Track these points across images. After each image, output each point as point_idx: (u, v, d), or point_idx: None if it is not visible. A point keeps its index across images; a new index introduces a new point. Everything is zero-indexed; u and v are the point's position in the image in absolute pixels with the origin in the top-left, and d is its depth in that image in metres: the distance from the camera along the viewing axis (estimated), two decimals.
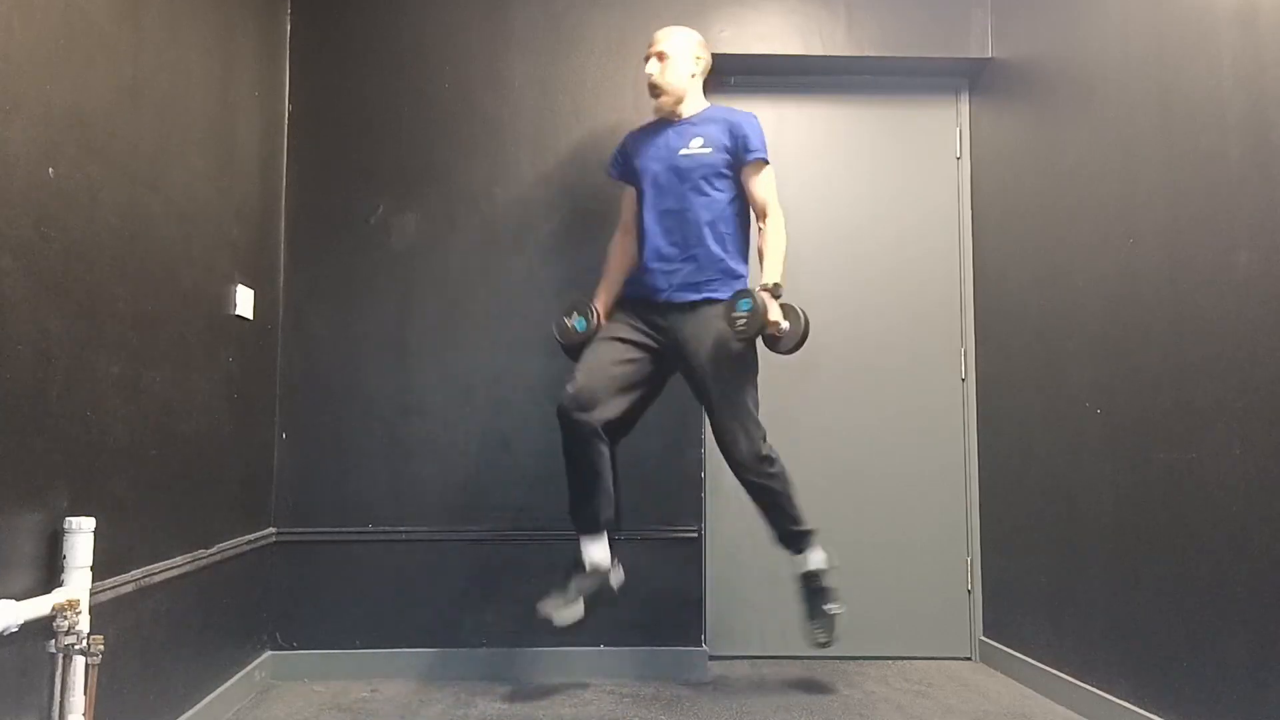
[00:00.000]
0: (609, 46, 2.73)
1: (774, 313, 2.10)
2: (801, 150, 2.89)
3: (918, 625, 2.76)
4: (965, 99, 2.90)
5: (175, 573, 1.85)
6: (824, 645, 2.27)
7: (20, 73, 1.35)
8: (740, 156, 2.27)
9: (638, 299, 2.30)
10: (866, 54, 2.77)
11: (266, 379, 2.49)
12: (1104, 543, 2.11)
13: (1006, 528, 2.60)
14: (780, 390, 2.80)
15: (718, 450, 2.76)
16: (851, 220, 2.87)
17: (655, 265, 2.26)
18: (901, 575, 2.77)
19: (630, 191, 2.39)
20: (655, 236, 2.27)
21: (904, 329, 2.84)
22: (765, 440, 2.22)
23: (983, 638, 2.72)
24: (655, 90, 2.31)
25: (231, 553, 2.18)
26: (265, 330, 2.47)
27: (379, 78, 2.69)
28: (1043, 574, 2.38)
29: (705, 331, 2.20)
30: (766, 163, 2.28)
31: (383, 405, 2.60)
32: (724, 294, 2.22)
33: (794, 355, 2.51)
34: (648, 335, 2.26)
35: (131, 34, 1.70)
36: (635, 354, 2.24)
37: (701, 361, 2.19)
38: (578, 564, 2.22)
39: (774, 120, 2.89)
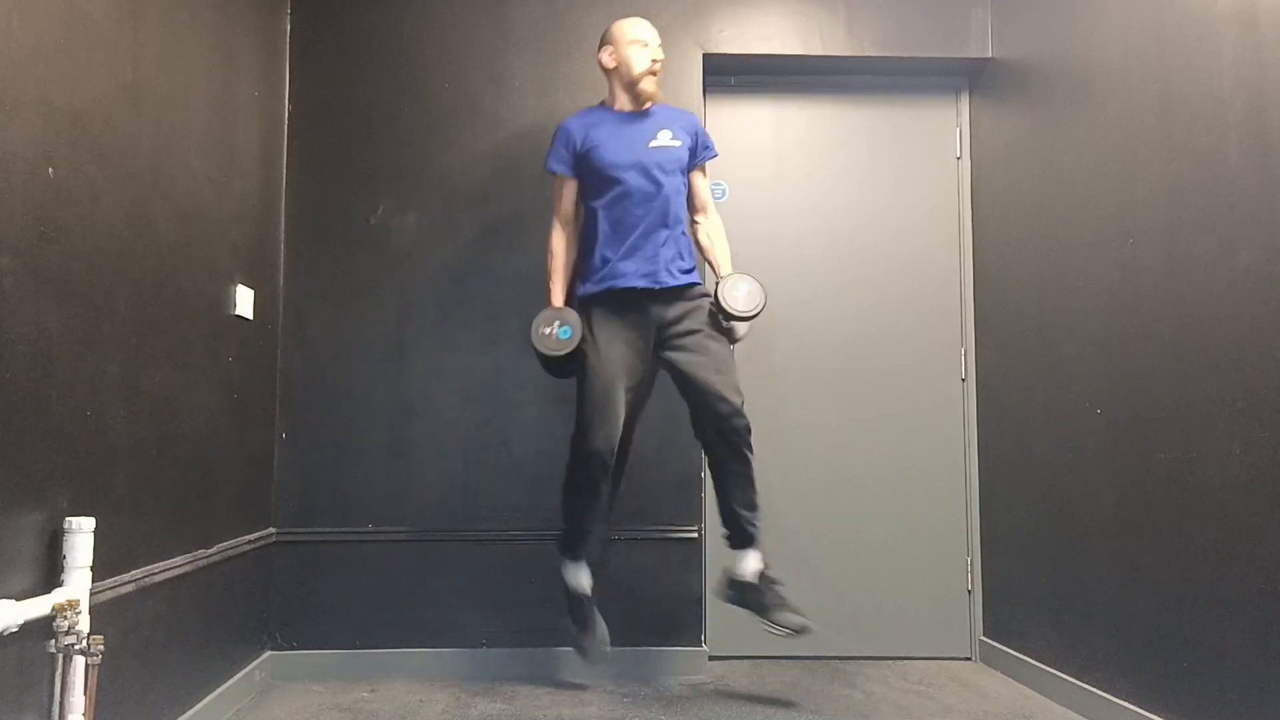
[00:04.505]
0: None
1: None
2: (801, 150, 2.89)
3: (918, 625, 2.75)
4: (965, 99, 2.90)
5: (175, 573, 1.85)
6: (803, 629, 2.15)
7: (20, 73, 1.35)
8: (699, 153, 2.40)
9: (619, 292, 2.25)
10: (866, 54, 2.77)
11: (266, 379, 2.49)
12: (1104, 543, 2.11)
13: (1006, 528, 2.59)
14: (780, 390, 2.80)
15: None
16: (852, 220, 2.87)
17: (640, 255, 2.26)
18: (901, 575, 2.77)
19: (571, 183, 2.35)
20: (635, 227, 2.26)
21: (904, 329, 2.84)
22: None
23: (983, 638, 2.72)
24: (655, 81, 2.33)
25: (231, 553, 2.18)
26: (265, 330, 2.47)
27: (379, 78, 2.69)
28: (1043, 574, 2.38)
29: (694, 310, 2.27)
30: None
31: (382, 405, 2.60)
32: (697, 278, 2.32)
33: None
34: (641, 339, 2.25)
35: (131, 34, 1.70)
36: (639, 373, 2.26)
37: (693, 331, 2.25)
38: (573, 598, 2.34)
39: (774, 120, 2.89)
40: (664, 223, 2.28)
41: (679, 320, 2.25)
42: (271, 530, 2.52)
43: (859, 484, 2.79)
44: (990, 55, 2.77)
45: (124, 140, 1.66)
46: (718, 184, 2.85)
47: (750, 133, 2.88)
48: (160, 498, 1.81)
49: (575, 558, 2.34)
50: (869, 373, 2.82)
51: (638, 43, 2.32)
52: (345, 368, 2.61)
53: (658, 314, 2.26)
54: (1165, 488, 1.91)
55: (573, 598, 2.34)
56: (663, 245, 2.27)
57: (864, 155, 2.89)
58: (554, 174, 2.36)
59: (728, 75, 2.85)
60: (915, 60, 2.79)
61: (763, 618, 2.21)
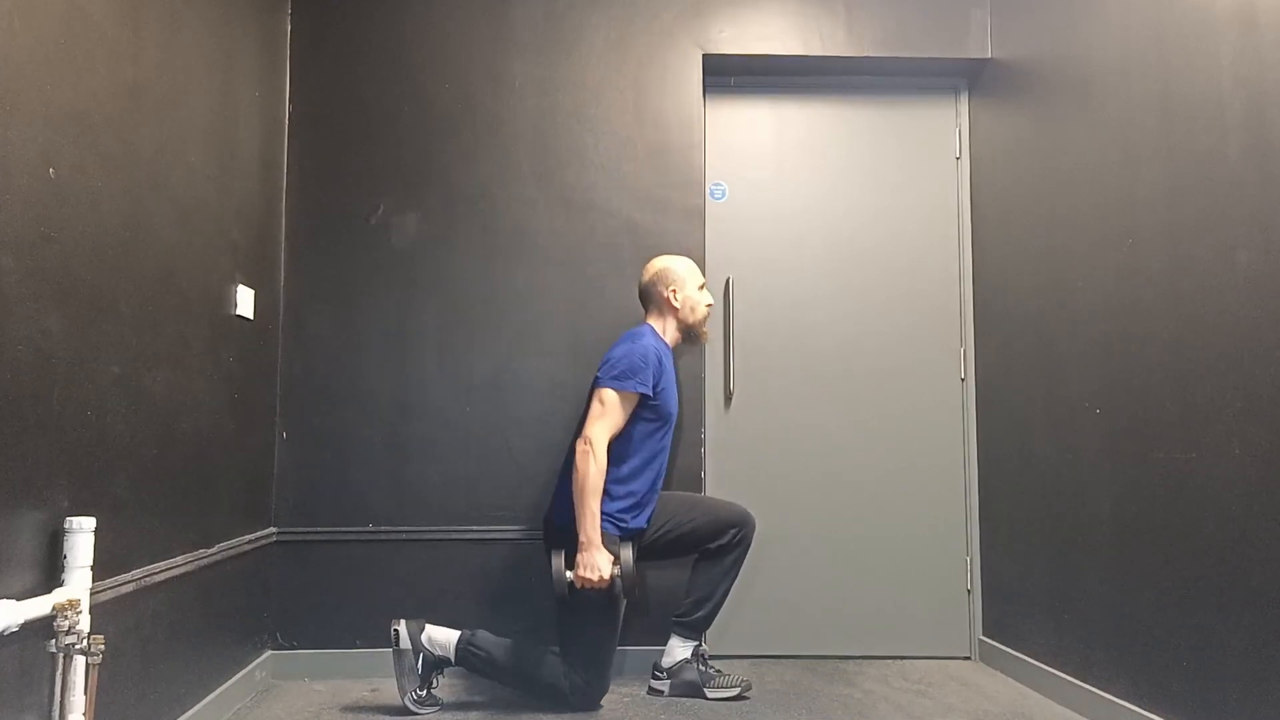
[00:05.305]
0: (609, 46, 2.73)
1: None
2: (801, 150, 2.89)
3: (918, 625, 2.76)
4: (965, 99, 2.90)
5: (175, 573, 1.85)
6: (747, 691, 2.31)
7: (20, 73, 1.35)
8: None
9: (640, 531, 2.29)
10: (866, 54, 2.77)
11: (266, 379, 2.49)
12: (1104, 543, 2.11)
13: (1006, 528, 2.60)
14: (780, 390, 2.80)
15: (718, 449, 2.78)
16: (852, 220, 2.87)
17: (658, 497, 2.35)
18: (901, 575, 2.77)
19: (635, 400, 2.20)
20: (661, 472, 2.32)
21: (904, 329, 2.84)
22: None
23: (982, 637, 2.72)
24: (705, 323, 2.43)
25: (232, 553, 2.18)
26: (265, 330, 2.47)
27: (379, 78, 2.69)
28: (1043, 574, 2.38)
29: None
30: None
31: (383, 405, 2.61)
32: None
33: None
34: None
35: (131, 34, 1.70)
36: None
37: (676, 510, 2.37)
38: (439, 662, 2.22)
39: (774, 120, 2.89)
40: None
41: (655, 520, 2.34)
42: (271, 530, 2.52)
43: (859, 484, 2.80)
44: (990, 55, 2.77)
45: (124, 140, 1.66)
46: (718, 184, 2.85)
47: (750, 133, 2.88)
48: (160, 498, 1.81)
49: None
50: (869, 373, 2.82)
51: (703, 288, 2.39)
52: (345, 368, 2.61)
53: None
54: (1165, 488, 1.91)
55: (439, 662, 2.22)
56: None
57: (864, 155, 2.89)
58: (632, 393, 2.18)
59: (727, 76, 2.85)
60: (915, 60, 2.80)
61: (710, 687, 2.31)
